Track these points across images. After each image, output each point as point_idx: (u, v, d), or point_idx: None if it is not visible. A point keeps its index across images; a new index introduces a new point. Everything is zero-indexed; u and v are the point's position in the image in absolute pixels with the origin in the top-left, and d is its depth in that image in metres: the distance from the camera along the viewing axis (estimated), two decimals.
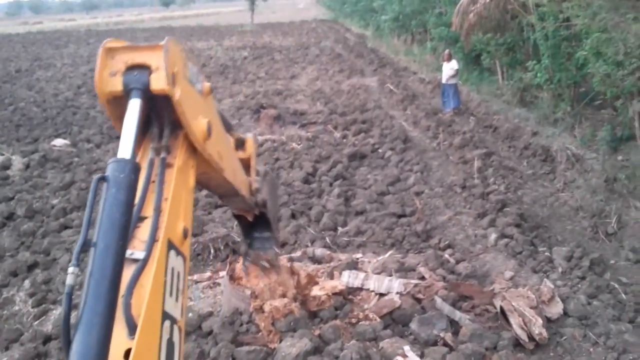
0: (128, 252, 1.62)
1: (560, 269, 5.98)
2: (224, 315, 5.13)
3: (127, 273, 1.60)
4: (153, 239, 1.72)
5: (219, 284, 5.85)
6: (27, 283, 6.38)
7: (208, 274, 6.24)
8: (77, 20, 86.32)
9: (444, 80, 13.76)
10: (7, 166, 10.65)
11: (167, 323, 1.69)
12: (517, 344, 4.61)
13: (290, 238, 7.00)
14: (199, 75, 2.19)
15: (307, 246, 6.79)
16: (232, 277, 5.03)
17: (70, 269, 1.47)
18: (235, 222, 7.36)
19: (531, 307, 4.85)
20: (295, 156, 10.37)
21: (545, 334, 4.59)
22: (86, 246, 1.52)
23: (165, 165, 1.93)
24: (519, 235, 6.68)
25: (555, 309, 5.03)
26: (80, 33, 53.84)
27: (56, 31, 59.42)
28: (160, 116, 1.97)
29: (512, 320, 4.72)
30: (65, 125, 14.19)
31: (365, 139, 11.40)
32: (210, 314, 5.35)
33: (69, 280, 1.47)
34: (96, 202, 1.57)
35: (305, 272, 5.35)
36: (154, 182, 1.87)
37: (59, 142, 12.47)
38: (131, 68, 1.84)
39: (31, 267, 6.76)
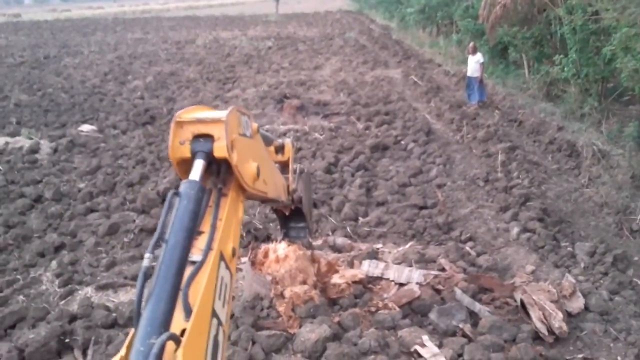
0: (188, 256, 1.95)
1: (582, 264, 5.94)
2: (245, 299, 5.21)
3: (187, 271, 1.91)
4: (209, 247, 2.02)
5: (240, 270, 5.93)
6: (54, 264, 6.53)
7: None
8: (105, 8, 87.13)
9: (469, 73, 13.64)
10: (35, 150, 10.87)
11: (215, 321, 1.95)
12: (536, 337, 4.60)
13: (313, 226, 7.04)
14: (248, 122, 2.56)
15: (328, 235, 6.84)
16: (254, 263, 5.11)
17: (147, 255, 1.82)
18: (258, 210, 7.46)
19: (552, 301, 4.84)
20: (318, 146, 10.41)
21: (565, 328, 4.58)
22: (160, 241, 1.90)
23: (221, 194, 2.26)
24: (542, 229, 6.64)
25: (576, 304, 5.01)
26: (107, 21, 54.38)
27: (84, 19, 60.10)
28: (219, 160, 2.28)
29: (532, 313, 4.72)
30: (92, 112, 14.41)
31: (388, 130, 11.37)
32: (232, 298, 5.42)
33: (145, 262, 1.81)
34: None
35: (325, 260, 5.40)
36: (211, 206, 2.19)
37: (86, 127, 12.69)
38: (197, 136, 2.20)
39: (58, 249, 6.92)
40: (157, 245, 1.88)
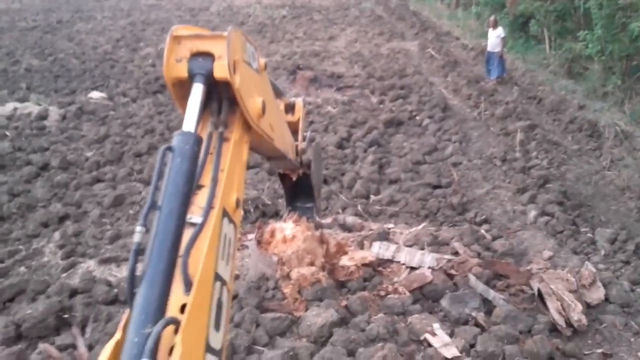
0: (187, 217, 1.78)
1: (602, 252, 5.70)
2: (250, 279, 5.04)
3: (186, 235, 1.74)
4: (210, 206, 1.85)
5: (247, 247, 5.75)
6: (57, 235, 6.40)
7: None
8: None
9: (489, 48, 13.21)
10: (44, 116, 10.70)
11: (218, 284, 1.82)
12: (553, 329, 4.40)
13: (321, 204, 6.84)
14: (255, 54, 2.32)
15: (338, 213, 6.64)
16: (260, 243, 4.91)
17: (138, 228, 1.62)
18: (267, 185, 7.26)
19: (570, 291, 4.62)
20: (330, 120, 10.14)
21: (584, 320, 4.37)
22: (152, 209, 1.69)
23: (223, 139, 2.06)
24: (561, 213, 6.39)
25: (596, 295, 4.78)
26: None
27: None
28: (220, 93, 2.08)
29: (549, 304, 4.50)
30: (103, 78, 14.19)
31: (403, 105, 11.06)
32: (237, 277, 5.26)
33: (136, 238, 1.62)
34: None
35: (334, 241, 5.21)
36: (211, 154, 2.00)
37: (95, 94, 12.48)
38: (196, 55, 1.98)
39: (62, 219, 6.79)
40: (149, 212, 1.68)
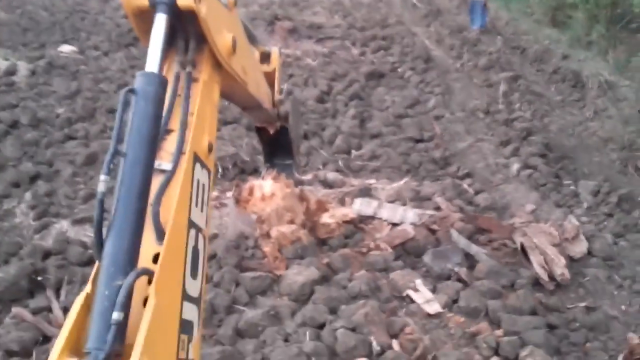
0: (156, 164, 1.68)
1: (585, 204, 5.69)
2: (229, 238, 4.91)
3: (155, 183, 1.66)
4: (180, 152, 1.76)
5: (225, 205, 5.60)
6: (28, 195, 6.18)
7: (215, 193, 5.98)
8: None
9: None
10: (12, 72, 10.23)
11: (193, 231, 1.76)
12: (536, 283, 4.39)
13: (301, 160, 6.69)
14: None
15: (318, 169, 6.50)
16: (238, 201, 4.78)
17: (102, 177, 1.51)
18: (245, 141, 7.07)
19: (553, 245, 4.60)
20: (310, 73, 9.85)
21: (567, 274, 4.36)
22: (116, 156, 1.56)
23: (191, 79, 1.95)
24: (543, 166, 6.35)
25: (579, 248, 4.76)
26: None
27: None
28: (186, 29, 1.94)
29: (532, 258, 4.47)
30: (73, 31, 13.61)
31: (385, 56, 10.78)
32: (216, 236, 5.12)
33: (100, 187, 1.51)
34: None
35: (315, 198, 5.09)
36: (179, 96, 1.89)
37: (66, 48, 11.99)
38: None
39: (33, 179, 6.54)
40: (112, 161, 1.56)
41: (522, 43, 11.61)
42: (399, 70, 10.14)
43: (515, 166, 6.48)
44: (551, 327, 4.01)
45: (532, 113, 7.97)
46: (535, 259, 4.45)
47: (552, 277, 4.37)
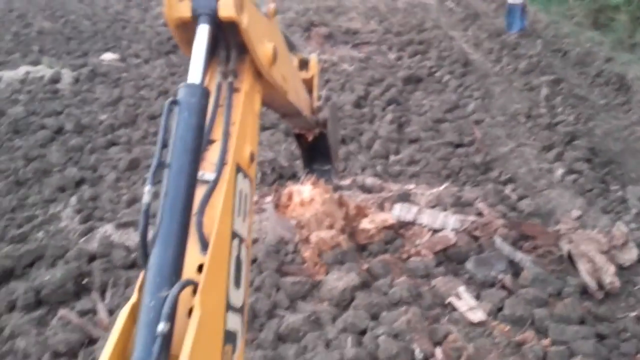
0: (199, 174, 1.69)
1: (634, 210, 5.50)
2: (269, 243, 4.93)
3: (199, 193, 1.67)
4: (222, 162, 1.77)
5: (264, 210, 5.62)
6: (73, 199, 6.33)
7: (255, 198, 6.01)
8: None
9: (510, 0, 12.69)
10: (56, 80, 10.55)
11: (236, 241, 1.77)
12: (584, 291, 4.25)
13: (339, 165, 6.68)
14: None
15: (356, 174, 6.47)
16: (277, 206, 4.79)
17: (147, 188, 1.53)
18: (283, 146, 7.09)
19: (601, 252, 4.45)
20: (347, 78, 9.85)
21: (617, 282, 4.22)
22: (160, 167, 1.59)
23: (233, 89, 1.95)
24: (589, 171, 6.17)
25: (629, 255, 4.60)
26: None
27: None
28: (227, 39, 1.95)
29: (580, 266, 4.34)
30: (115, 40, 13.96)
31: (422, 61, 10.70)
32: (256, 240, 5.15)
33: (146, 198, 1.53)
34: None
35: (354, 204, 5.06)
36: (221, 106, 1.90)
37: (107, 56, 12.28)
38: None
39: (78, 183, 6.70)
40: (157, 171, 1.59)
41: (563, 46, 11.37)
42: (437, 74, 10.03)
43: (559, 171, 6.33)
44: (601, 337, 3.88)
45: (575, 117, 7.77)
46: (583, 267, 4.32)
47: (600, 285, 4.24)
